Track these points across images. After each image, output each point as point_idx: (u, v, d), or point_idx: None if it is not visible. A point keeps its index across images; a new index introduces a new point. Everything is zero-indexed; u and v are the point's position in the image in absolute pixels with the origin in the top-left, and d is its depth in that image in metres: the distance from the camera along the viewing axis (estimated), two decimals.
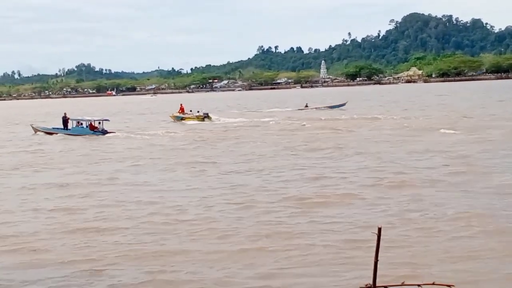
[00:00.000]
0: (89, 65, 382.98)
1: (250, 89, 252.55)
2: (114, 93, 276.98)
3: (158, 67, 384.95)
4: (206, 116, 57.63)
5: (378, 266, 4.81)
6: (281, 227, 15.02)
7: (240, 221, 15.89)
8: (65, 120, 47.80)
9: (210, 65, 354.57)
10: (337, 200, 17.94)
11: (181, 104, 63.13)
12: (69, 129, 46.90)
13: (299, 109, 71.52)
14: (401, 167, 23.33)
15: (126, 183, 22.60)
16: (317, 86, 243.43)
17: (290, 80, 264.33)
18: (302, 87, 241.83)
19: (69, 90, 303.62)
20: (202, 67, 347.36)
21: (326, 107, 72.13)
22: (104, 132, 45.52)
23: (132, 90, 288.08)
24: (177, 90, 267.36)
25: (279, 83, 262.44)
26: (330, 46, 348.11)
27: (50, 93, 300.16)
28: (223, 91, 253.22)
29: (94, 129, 45.68)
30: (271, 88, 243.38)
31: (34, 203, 19.17)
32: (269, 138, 38.33)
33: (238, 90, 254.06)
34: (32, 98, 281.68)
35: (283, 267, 11.97)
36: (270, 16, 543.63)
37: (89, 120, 47.56)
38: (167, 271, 12.02)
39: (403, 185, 19.69)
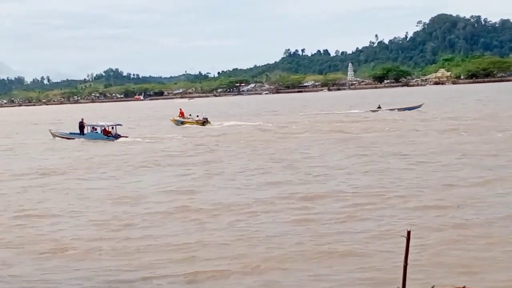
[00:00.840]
0: (117, 70, 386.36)
1: (277, 92, 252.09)
2: (142, 97, 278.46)
3: (186, 72, 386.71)
4: (205, 121, 58.51)
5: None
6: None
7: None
8: (81, 126, 49.63)
9: (237, 68, 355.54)
10: None
11: (180, 109, 65.17)
12: (85, 134, 49.01)
13: (371, 110, 67.15)
14: None
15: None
16: (344, 89, 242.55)
17: (317, 83, 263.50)
18: (329, 90, 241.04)
19: (97, 95, 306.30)
20: (229, 71, 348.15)
21: (401, 108, 67.14)
22: (117, 136, 47.30)
23: (159, 94, 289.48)
24: (204, 94, 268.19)
25: (306, 86, 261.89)
26: (357, 48, 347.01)
27: (79, 98, 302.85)
28: (250, 94, 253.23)
29: (108, 134, 47.63)
30: (298, 91, 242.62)
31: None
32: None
33: (265, 93, 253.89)
34: (61, 103, 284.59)
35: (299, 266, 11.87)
36: (297, 20, 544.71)
37: (103, 125, 49.44)
38: None
39: None
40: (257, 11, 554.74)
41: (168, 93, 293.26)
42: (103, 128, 48.70)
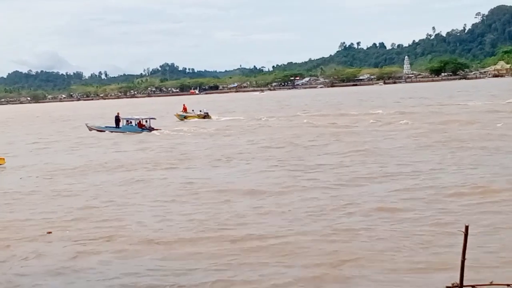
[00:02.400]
0: (172, 64, 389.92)
1: (332, 86, 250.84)
2: (197, 91, 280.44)
3: (240, 66, 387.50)
4: (206, 115, 63.27)
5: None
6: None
7: None
8: (117, 119, 51.94)
9: (291, 62, 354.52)
10: None
11: (184, 104, 69.32)
12: (120, 127, 51.23)
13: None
14: None
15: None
16: (400, 82, 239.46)
17: (372, 76, 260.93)
18: (385, 83, 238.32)
19: (153, 89, 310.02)
20: (283, 64, 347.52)
21: None
22: (151, 129, 49.76)
23: (214, 88, 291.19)
24: (259, 88, 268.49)
25: (361, 79, 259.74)
26: (414, 41, 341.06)
27: (136, 92, 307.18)
28: (305, 88, 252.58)
29: (142, 127, 50.34)
30: (353, 85, 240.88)
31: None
32: None
33: (320, 87, 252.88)
34: (118, 97, 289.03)
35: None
36: (353, 12, 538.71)
37: (138, 118, 52.38)
38: None
39: None
40: (313, 4, 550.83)
41: (223, 87, 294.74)
42: (137, 121, 51.50)
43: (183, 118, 63.51)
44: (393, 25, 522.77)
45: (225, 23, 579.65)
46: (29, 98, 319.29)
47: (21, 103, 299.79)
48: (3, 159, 31.73)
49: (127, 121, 52.31)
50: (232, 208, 17.53)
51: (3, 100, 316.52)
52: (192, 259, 12.58)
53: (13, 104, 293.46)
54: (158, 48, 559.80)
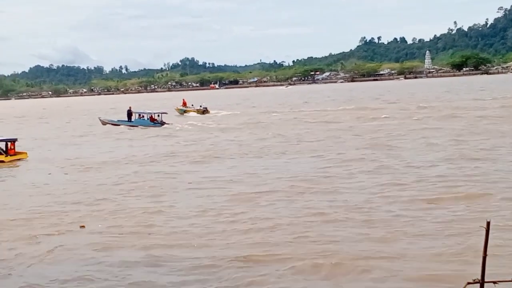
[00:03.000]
0: (193, 59, 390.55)
1: (352, 80, 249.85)
2: (217, 86, 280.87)
3: (260, 60, 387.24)
4: (205, 110, 64.81)
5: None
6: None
7: None
8: (129, 113, 52.98)
9: (312, 57, 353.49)
10: None
11: (183, 99, 71.40)
12: (132, 121, 52.24)
13: None
14: None
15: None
16: (421, 77, 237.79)
17: (393, 71, 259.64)
18: (405, 78, 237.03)
19: (173, 84, 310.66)
20: (304, 59, 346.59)
21: None
22: (162, 123, 50.91)
23: (234, 83, 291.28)
24: (279, 83, 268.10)
25: (382, 74, 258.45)
26: (435, 35, 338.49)
27: (156, 87, 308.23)
28: (325, 83, 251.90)
29: (154, 121, 51.32)
30: (374, 80, 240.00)
31: None
32: None
33: (340, 82, 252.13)
34: (138, 92, 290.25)
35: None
36: (373, 7, 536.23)
37: (150, 113, 53.44)
38: None
39: None
40: None
41: (243, 81, 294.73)
42: (150, 115, 52.50)
43: (182, 112, 65.33)
44: (414, 19, 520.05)
45: (245, 17, 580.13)
46: (50, 93, 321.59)
47: (42, 97, 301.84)
48: (26, 153, 32.07)
49: (139, 115, 53.28)
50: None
51: (25, 94, 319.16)
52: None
53: (34, 98, 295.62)
54: (178, 42, 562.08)
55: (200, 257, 12.43)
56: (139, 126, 50.13)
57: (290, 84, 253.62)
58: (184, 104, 68.64)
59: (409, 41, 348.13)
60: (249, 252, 12.60)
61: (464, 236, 13.06)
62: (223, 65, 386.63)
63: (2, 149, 31.52)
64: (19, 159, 31.11)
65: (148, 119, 52.11)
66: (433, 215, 15.12)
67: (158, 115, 52.76)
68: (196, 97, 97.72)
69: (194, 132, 44.06)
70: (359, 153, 27.07)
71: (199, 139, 38.50)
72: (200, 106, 66.02)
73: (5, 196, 21.06)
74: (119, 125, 52.47)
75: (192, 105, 67.76)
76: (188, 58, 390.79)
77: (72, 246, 13.76)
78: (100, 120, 55.55)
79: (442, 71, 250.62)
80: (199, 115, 62.27)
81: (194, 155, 29.73)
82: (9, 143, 31.82)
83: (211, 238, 13.98)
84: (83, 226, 15.63)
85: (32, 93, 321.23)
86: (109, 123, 53.89)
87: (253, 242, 13.48)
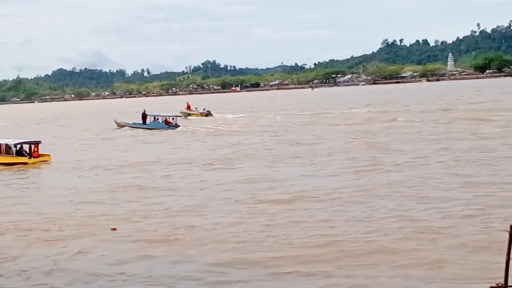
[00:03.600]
0: (214, 62, 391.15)
1: (374, 83, 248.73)
2: (238, 89, 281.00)
3: (282, 63, 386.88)
4: (208, 113, 67.14)
5: None
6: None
7: None
8: (144, 116, 54.14)
9: (333, 59, 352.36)
10: None
11: (187, 103, 74.61)
12: (147, 124, 53.48)
13: None
14: None
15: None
16: (443, 79, 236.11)
17: (415, 74, 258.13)
18: (428, 80, 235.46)
19: (195, 86, 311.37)
20: (325, 62, 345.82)
21: None
22: (176, 125, 52.22)
23: (256, 86, 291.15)
24: (300, 86, 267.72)
25: (404, 76, 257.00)
26: (458, 37, 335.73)
27: (177, 90, 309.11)
28: (347, 85, 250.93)
29: (169, 124, 52.82)
30: (396, 82, 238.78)
31: None
32: None
33: (362, 84, 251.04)
34: (160, 95, 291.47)
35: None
36: (395, 9, 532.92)
37: (164, 116, 55.03)
38: None
39: None
40: (353, 0, 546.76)
41: (264, 84, 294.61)
42: (164, 118, 54.19)
43: (186, 115, 66.89)
44: (436, 21, 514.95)
45: (265, 20, 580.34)
46: (73, 96, 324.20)
47: (65, 100, 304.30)
48: (49, 155, 32.21)
49: (154, 118, 54.85)
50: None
51: (48, 97, 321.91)
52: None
53: (57, 101, 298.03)
54: (200, 45, 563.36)
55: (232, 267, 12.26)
56: (155, 129, 51.20)
57: (316, 87, 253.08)
58: (188, 107, 71.22)
59: (432, 43, 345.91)
60: None
61: None
62: (244, 67, 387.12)
63: (26, 151, 31.73)
64: (42, 161, 31.27)
65: (163, 121, 53.55)
66: None
67: (173, 118, 54.20)
68: (215, 100, 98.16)
69: (214, 135, 44.36)
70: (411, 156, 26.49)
71: (223, 142, 38.53)
72: (204, 110, 68.38)
73: (35, 198, 21.21)
74: (134, 127, 53.42)
75: (196, 108, 70.37)
76: (209, 61, 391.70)
77: (104, 248, 13.79)
78: (116, 122, 56.98)
79: (465, 73, 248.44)
80: (203, 118, 64.35)
81: (221, 157, 29.65)
82: (32, 145, 32.01)
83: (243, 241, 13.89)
84: (114, 229, 15.58)
85: (55, 96, 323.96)
86: (125, 126, 55.00)
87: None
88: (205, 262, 12.46)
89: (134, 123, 55.25)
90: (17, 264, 12.90)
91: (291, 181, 21.62)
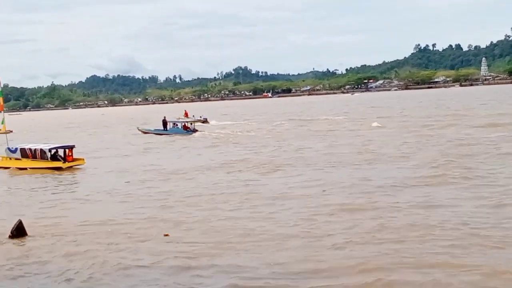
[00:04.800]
0: (246, 68, 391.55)
1: (406, 88, 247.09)
2: (269, 95, 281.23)
3: (313, 69, 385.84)
4: (205, 121, 69.44)
5: None
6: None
7: None
8: (164, 123, 56.70)
9: (365, 65, 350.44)
10: None
11: (185, 110, 78.51)
12: (167, 130, 55.86)
13: None
14: None
15: None
16: (477, 84, 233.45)
17: (448, 79, 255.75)
18: (461, 85, 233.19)
19: (227, 92, 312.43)
20: (357, 67, 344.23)
21: None
22: (195, 130, 54.60)
23: (287, 91, 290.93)
24: (332, 91, 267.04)
25: (436, 82, 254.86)
26: (492, 42, 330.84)
27: (209, 96, 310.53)
28: (379, 91, 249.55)
29: (187, 129, 54.91)
30: (428, 87, 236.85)
31: None
32: None
33: (394, 89, 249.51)
34: (192, 101, 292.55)
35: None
36: (427, 13, 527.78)
37: (183, 121, 57.85)
38: None
39: None
40: (386, 5, 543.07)
41: (296, 90, 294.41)
42: (183, 124, 56.52)
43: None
44: (469, 25, 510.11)
45: (298, 26, 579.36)
46: (106, 102, 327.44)
47: (98, 106, 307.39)
48: (83, 159, 32.77)
49: (174, 124, 57.11)
50: None
51: (81, 104, 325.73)
52: None
53: (91, 107, 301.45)
54: (232, 51, 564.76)
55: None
56: (175, 134, 53.38)
57: (343, 92, 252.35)
58: (186, 115, 74.44)
59: (465, 48, 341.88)
60: None
61: None
62: (276, 73, 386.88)
63: (60, 156, 32.31)
64: (76, 166, 31.82)
65: (181, 127, 55.70)
66: None
67: (191, 124, 56.96)
68: (248, 106, 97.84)
69: (239, 140, 45.11)
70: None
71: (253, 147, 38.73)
72: (200, 117, 70.60)
73: (80, 203, 21.46)
74: (156, 133, 55.53)
75: (193, 115, 72.23)
76: (241, 67, 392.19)
77: (157, 254, 13.83)
78: (139, 129, 59.33)
79: (498, 78, 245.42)
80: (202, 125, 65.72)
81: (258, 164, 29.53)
82: (67, 150, 32.59)
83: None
84: (167, 235, 15.53)
85: (89, 103, 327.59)
86: (148, 132, 57.04)
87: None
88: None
89: (155, 130, 57.25)
90: (68, 270, 13.04)
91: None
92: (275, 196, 20.32)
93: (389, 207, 17.42)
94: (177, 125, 56.68)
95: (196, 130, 54.73)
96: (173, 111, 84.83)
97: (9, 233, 16.01)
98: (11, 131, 65.27)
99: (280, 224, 16.30)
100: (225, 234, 15.46)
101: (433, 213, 16.35)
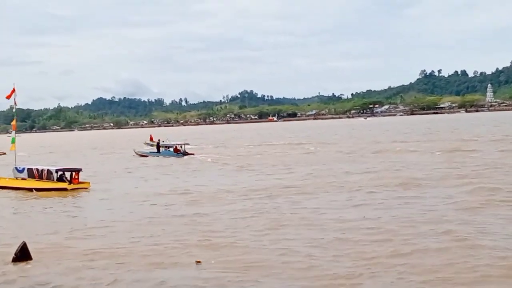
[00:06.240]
0: (251, 91, 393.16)
1: (412, 114, 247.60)
2: (275, 119, 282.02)
3: (319, 93, 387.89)
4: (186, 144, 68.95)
5: None
6: None
7: None
8: (158, 146, 59.93)
9: (370, 90, 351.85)
10: None
11: (150, 135, 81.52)
12: (160, 152, 58.49)
13: None
14: None
15: None
16: (482, 111, 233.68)
17: (454, 105, 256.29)
18: (467, 111, 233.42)
19: (232, 116, 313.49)
20: (362, 92, 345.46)
21: None
22: (185, 153, 56.64)
23: (293, 115, 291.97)
24: (337, 116, 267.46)
25: (442, 107, 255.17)
26: (497, 68, 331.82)
27: (215, 119, 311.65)
28: (384, 116, 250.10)
29: (177, 152, 57.02)
30: (434, 113, 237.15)
31: None
32: None
33: (400, 115, 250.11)
34: (197, 124, 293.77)
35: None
36: (433, 39, 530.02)
37: (174, 144, 59.48)
38: None
39: None
40: (391, 30, 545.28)
41: (301, 114, 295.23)
42: (174, 146, 58.34)
43: (149, 146, 71.12)
44: (475, 52, 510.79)
45: (303, 50, 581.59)
46: (112, 124, 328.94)
47: (104, 128, 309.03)
48: (88, 182, 32.67)
49: (166, 147, 59.32)
50: None
51: (87, 125, 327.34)
52: None
53: (97, 129, 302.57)
54: (237, 75, 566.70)
55: None
56: (169, 157, 55.46)
57: (348, 117, 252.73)
58: (151, 139, 77.15)
59: (470, 74, 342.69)
60: None
61: None
62: (281, 97, 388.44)
63: (66, 178, 32.24)
64: (82, 188, 31.71)
65: (173, 150, 57.69)
66: None
67: (181, 146, 58.80)
68: (254, 129, 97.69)
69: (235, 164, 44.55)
70: None
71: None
72: (163, 142, 70.64)
73: (88, 227, 20.98)
74: (149, 156, 58.51)
75: (159, 139, 71.54)
76: (247, 91, 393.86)
77: (190, 282, 13.45)
78: (136, 152, 61.84)
79: (504, 104, 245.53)
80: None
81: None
82: (73, 173, 32.53)
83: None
84: (199, 262, 14.97)
85: (95, 125, 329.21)
86: (143, 155, 59.60)
87: None
88: None
89: (150, 152, 60.45)
90: None
91: None
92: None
93: None
94: (168, 148, 58.80)
95: (187, 153, 56.96)
96: (163, 134, 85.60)
97: (12, 255, 15.75)
98: (4, 153, 66.02)
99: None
100: (262, 260, 15.07)
101: None
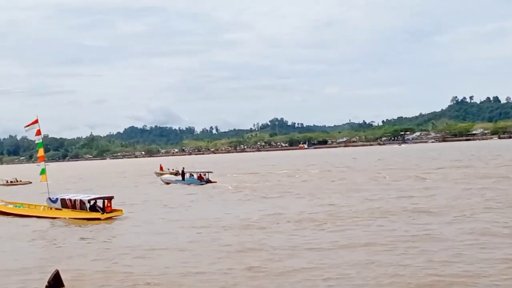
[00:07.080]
0: (282, 119, 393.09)
1: (444, 140, 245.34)
2: (306, 146, 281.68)
3: (349, 120, 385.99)
4: (177, 172, 68.70)
5: None
6: None
7: None
8: (183, 173, 60.56)
9: (401, 117, 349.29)
10: None
11: (160, 164, 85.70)
12: (185, 180, 59.24)
13: None
14: None
15: None
16: None
17: (486, 131, 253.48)
18: (499, 138, 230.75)
19: (263, 144, 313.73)
20: (393, 119, 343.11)
21: None
22: (208, 181, 57.72)
23: (323, 143, 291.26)
24: (368, 143, 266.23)
25: (474, 134, 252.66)
26: None
27: (245, 147, 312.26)
28: (415, 143, 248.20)
29: (201, 179, 58.10)
30: (466, 140, 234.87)
31: None
32: None
33: (431, 142, 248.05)
34: (228, 152, 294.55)
35: None
36: (464, 66, 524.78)
37: (198, 172, 60.26)
38: None
39: None
40: (422, 57, 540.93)
41: (332, 141, 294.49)
42: (198, 174, 59.27)
43: (159, 175, 72.25)
44: (507, 78, 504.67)
45: (333, 78, 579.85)
46: (143, 152, 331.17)
47: (135, 157, 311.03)
48: (121, 210, 32.90)
49: (190, 174, 59.97)
50: None
51: (119, 154, 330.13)
52: None
53: (128, 158, 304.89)
54: (267, 103, 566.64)
55: None
56: (194, 185, 56.29)
57: (380, 144, 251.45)
58: (161, 168, 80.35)
59: (503, 100, 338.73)
60: None
61: None
62: (312, 125, 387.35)
63: (99, 207, 32.49)
64: (115, 216, 31.92)
65: (197, 178, 58.72)
66: None
67: (205, 174, 59.60)
68: (284, 157, 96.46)
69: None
70: None
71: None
72: (173, 170, 75.05)
73: (122, 255, 20.80)
74: (171, 183, 59.97)
75: (168, 168, 78.02)
76: (277, 118, 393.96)
77: None
78: (162, 180, 63.31)
79: None
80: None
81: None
82: (106, 201, 32.77)
83: None
84: None
85: (126, 153, 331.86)
86: (170, 183, 60.75)
87: None
88: None
89: (176, 180, 60.97)
90: None
91: None
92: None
93: None
94: (193, 175, 59.57)
95: (210, 181, 57.76)
96: (183, 162, 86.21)
97: (46, 283, 15.86)
98: (30, 182, 68.70)
99: None
100: None
101: None
